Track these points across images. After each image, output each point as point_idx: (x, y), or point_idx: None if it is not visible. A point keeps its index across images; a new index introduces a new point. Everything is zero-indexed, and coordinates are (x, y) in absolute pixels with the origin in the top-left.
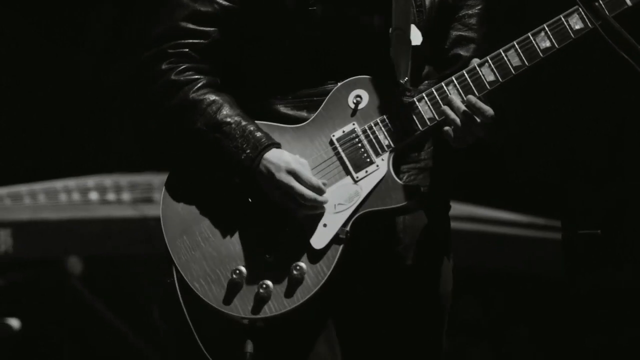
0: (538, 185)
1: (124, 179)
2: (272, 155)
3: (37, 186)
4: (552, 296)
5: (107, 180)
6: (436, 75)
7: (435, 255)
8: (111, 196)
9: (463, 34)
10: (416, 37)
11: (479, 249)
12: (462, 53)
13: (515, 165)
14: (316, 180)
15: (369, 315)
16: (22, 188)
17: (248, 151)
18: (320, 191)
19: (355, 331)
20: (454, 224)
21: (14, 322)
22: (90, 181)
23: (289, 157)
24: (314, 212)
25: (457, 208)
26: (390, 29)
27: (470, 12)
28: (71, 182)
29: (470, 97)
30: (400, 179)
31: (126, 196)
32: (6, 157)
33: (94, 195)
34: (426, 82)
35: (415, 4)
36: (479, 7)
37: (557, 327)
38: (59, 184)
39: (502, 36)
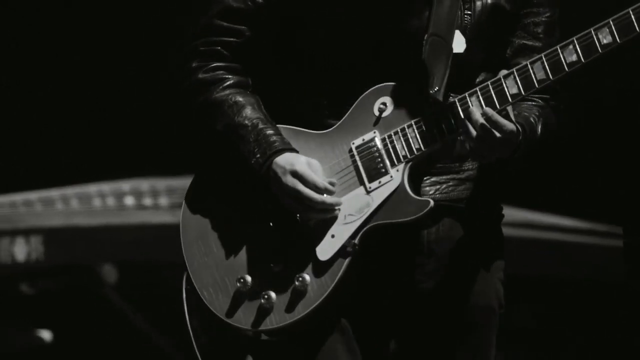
0: (599, 191)
1: (162, 183)
2: (281, 159)
3: (70, 190)
4: (613, 304)
5: (144, 184)
6: None
7: (471, 268)
8: (148, 201)
9: (527, 42)
10: (459, 43)
11: (538, 256)
12: (524, 62)
13: (577, 170)
14: (321, 181)
15: (391, 329)
16: (54, 192)
17: (258, 156)
18: (328, 191)
19: (377, 344)
20: (509, 231)
21: (45, 334)
22: (126, 185)
23: (296, 159)
24: (326, 216)
25: (514, 214)
26: (426, 35)
27: (536, 19)
28: (105, 187)
29: (488, 109)
30: (437, 191)
31: (163, 201)
32: (38, 159)
33: (129, 200)
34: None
35: (463, 7)
36: (547, 15)
37: (617, 335)
38: (92, 188)
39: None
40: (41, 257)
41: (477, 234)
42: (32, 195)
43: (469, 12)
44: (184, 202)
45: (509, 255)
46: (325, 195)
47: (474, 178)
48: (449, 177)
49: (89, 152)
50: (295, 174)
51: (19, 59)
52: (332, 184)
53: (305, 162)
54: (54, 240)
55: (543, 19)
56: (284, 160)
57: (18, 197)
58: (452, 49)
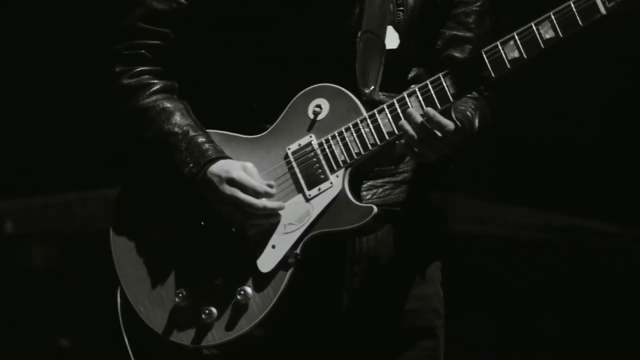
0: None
1: None
2: (216, 167)
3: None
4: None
5: None
6: (426, 78)
7: (411, 273)
8: None
9: (458, 33)
10: (392, 39)
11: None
12: (456, 54)
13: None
14: (260, 185)
15: (334, 342)
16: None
17: (191, 165)
18: (268, 194)
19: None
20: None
21: (63, 342)
22: None
23: (230, 166)
24: (269, 221)
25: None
26: (359, 32)
27: (466, 9)
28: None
29: (429, 109)
30: (374, 195)
31: None
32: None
33: None
34: (412, 86)
35: (396, 2)
36: (477, 4)
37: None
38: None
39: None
40: None
41: (414, 237)
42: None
43: (401, 7)
44: (112, 213)
45: None
46: (265, 199)
47: (410, 180)
48: (384, 180)
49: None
50: (232, 181)
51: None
52: (270, 185)
53: (240, 167)
54: None
55: (474, 8)
56: (219, 168)
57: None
58: (385, 46)
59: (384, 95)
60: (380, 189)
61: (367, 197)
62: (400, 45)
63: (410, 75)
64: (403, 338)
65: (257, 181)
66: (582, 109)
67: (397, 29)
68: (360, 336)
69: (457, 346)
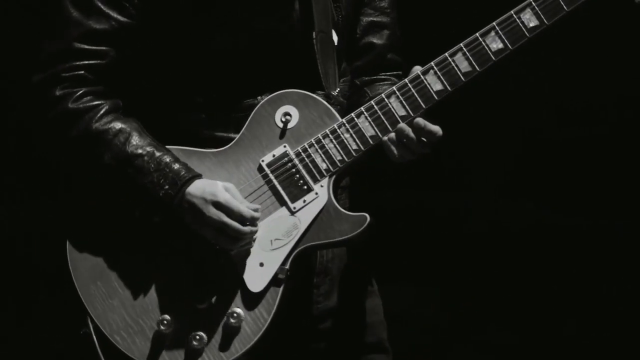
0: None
1: None
2: (196, 189)
3: None
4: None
5: None
6: (349, 70)
7: (361, 285)
8: None
9: (374, 19)
10: (335, 37)
11: None
12: (374, 41)
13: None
14: (247, 210)
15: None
16: None
17: (167, 187)
18: (254, 220)
19: None
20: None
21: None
22: None
23: (214, 188)
24: (250, 247)
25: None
26: (314, 33)
27: None
28: None
29: (419, 120)
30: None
31: None
32: None
33: None
34: (342, 80)
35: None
36: None
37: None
38: None
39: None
40: None
41: (357, 246)
42: None
43: (337, 4)
44: (67, 243)
45: None
46: (251, 225)
47: (349, 186)
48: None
49: None
50: (218, 205)
51: None
52: (256, 210)
53: (224, 189)
54: None
55: None
56: (199, 190)
57: None
58: (334, 44)
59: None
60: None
61: None
62: (338, 42)
63: (342, 68)
64: (362, 355)
65: (243, 204)
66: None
67: (337, 26)
68: (326, 351)
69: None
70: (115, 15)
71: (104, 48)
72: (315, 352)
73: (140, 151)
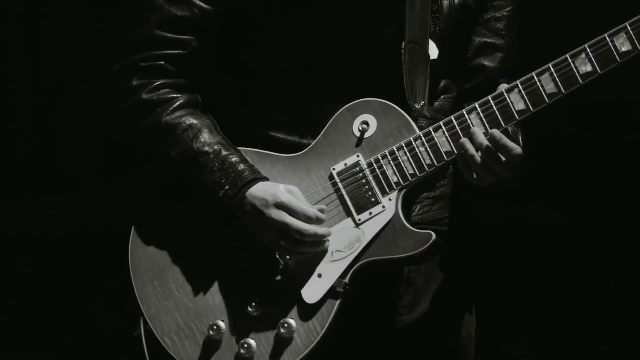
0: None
1: None
2: (258, 190)
3: None
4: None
5: None
6: (454, 89)
7: (450, 298)
8: None
9: (488, 40)
10: (433, 50)
11: None
12: (486, 63)
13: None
14: (312, 210)
15: None
16: None
17: (227, 187)
18: (319, 221)
19: None
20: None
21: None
22: None
23: (276, 189)
24: (317, 250)
25: None
26: (404, 43)
27: (497, 14)
28: None
29: (495, 131)
30: (412, 214)
31: None
32: None
33: None
34: (443, 97)
35: (431, 9)
36: (508, 9)
37: None
38: None
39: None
40: None
41: (456, 257)
42: None
43: (437, 15)
44: (131, 239)
45: None
46: (316, 226)
47: (448, 195)
48: (422, 196)
49: None
50: (281, 206)
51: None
52: (322, 211)
53: (286, 191)
54: None
55: (505, 13)
56: (262, 191)
57: None
58: (429, 57)
59: (431, 110)
60: (419, 206)
61: None
62: (439, 55)
63: (441, 86)
64: None
65: (308, 206)
66: None
67: (432, 38)
68: None
69: None
70: (197, 1)
71: (186, 37)
72: None
73: (207, 149)
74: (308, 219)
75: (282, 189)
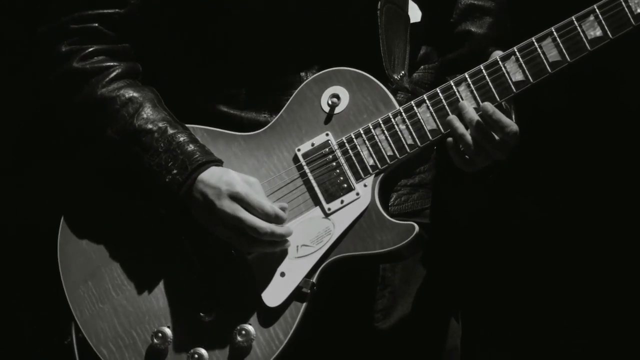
0: None
1: None
2: (210, 176)
3: None
4: None
5: None
6: (435, 59)
7: (430, 302)
8: None
9: (475, 2)
10: (414, 12)
11: None
12: (472, 29)
13: None
14: (270, 206)
15: None
16: None
17: (175, 172)
18: (278, 219)
19: None
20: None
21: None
22: None
23: (232, 177)
24: (274, 250)
25: None
26: (379, 2)
27: None
28: None
29: (487, 104)
30: (390, 205)
31: None
32: None
33: None
34: (422, 67)
35: None
36: None
37: None
38: None
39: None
40: None
41: (439, 254)
42: None
43: None
44: (60, 232)
45: None
46: (274, 225)
47: (429, 182)
48: (398, 184)
49: None
50: (236, 197)
51: None
52: (283, 209)
53: (243, 181)
54: None
55: None
56: (215, 177)
57: None
58: (409, 19)
59: (411, 83)
60: (394, 195)
61: None
62: (421, 20)
63: (419, 55)
64: None
65: (267, 201)
66: None
67: None
68: None
69: None
70: None
71: None
72: None
73: (150, 126)
74: (266, 216)
75: (239, 178)
